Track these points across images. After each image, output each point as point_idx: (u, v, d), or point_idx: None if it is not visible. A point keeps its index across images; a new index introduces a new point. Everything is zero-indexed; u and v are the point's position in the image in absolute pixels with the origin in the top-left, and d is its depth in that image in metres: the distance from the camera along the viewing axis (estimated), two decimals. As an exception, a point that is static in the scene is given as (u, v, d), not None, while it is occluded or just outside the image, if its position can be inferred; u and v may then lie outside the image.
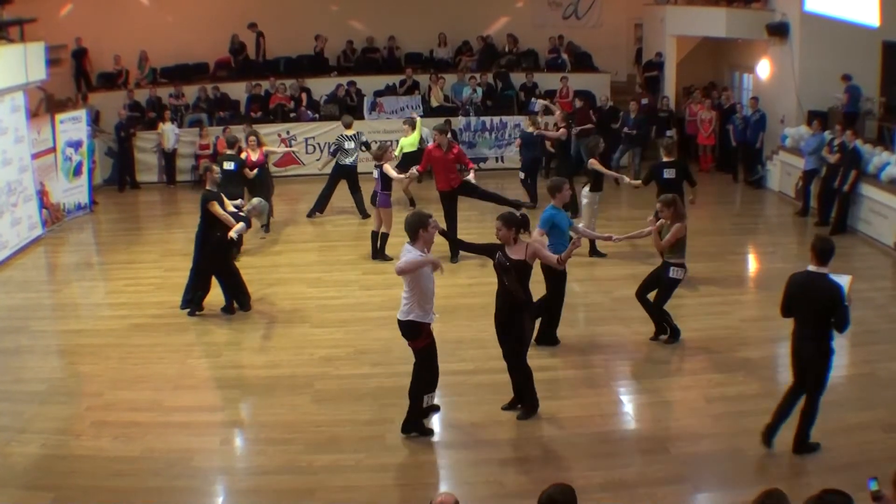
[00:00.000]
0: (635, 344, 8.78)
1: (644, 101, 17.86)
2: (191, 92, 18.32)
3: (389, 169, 11.53)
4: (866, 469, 5.76)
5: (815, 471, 6.20)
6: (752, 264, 12.17)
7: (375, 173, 11.57)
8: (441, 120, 17.16)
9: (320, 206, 14.23)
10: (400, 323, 6.74)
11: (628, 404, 7.62)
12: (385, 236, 11.60)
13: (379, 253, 11.58)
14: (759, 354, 8.47)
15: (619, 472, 6.37)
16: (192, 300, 9.82)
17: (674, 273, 8.50)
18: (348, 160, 13.92)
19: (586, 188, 11.46)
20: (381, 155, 11.57)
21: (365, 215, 13.85)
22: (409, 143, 14.72)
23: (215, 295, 9.86)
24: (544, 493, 3.99)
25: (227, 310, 9.81)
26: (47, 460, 6.67)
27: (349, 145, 13.90)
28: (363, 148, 14.12)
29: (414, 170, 12.08)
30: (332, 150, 14.37)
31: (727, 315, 9.52)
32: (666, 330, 8.74)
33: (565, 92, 18.42)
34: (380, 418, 7.13)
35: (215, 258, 9.65)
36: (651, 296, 8.69)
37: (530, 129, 14.86)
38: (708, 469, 6.47)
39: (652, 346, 8.68)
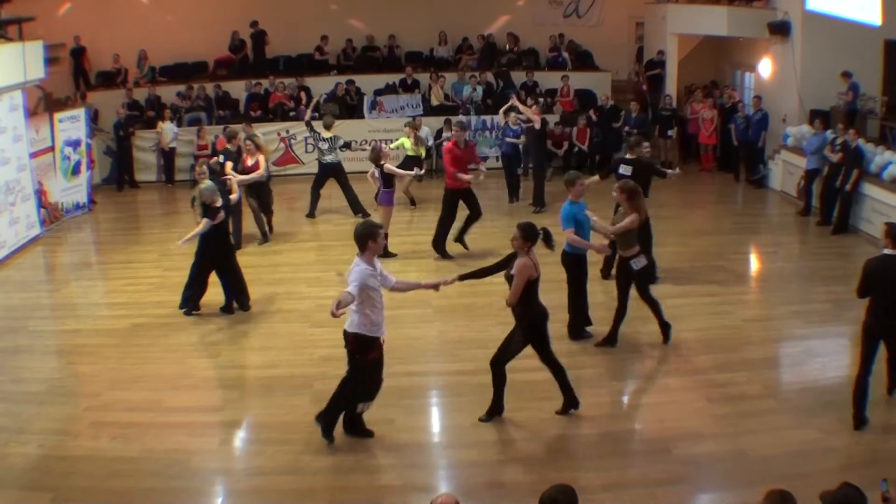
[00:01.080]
0: (636, 344, 8.76)
1: (643, 85, 17.95)
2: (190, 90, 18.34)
3: (393, 168, 11.63)
4: (868, 470, 5.78)
5: (817, 472, 6.17)
6: (754, 264, 12.15)
7: (376, 173, 11.57)
8: (442, 119, 17.28)
9: (314, 206, 14.27)
10: (346, 334, 6.56)
11: (630, 404, 7.61)
12: (384, 236, 11.59)
13: (383, 252, 11.60)
14: (762, 354, 8.46)
15: (621, 472, 6.37)
16: (189, 299, 9.82)
17: (636, 264, 8.42)
18: (328, 158, 13.96)
19: None
20: (377, 157, 11.54)
21: (365, 214, 13.84)
22: (410, 147, 14.79)
23: (215, 294, 9.86)
24: (545, 493, 3.98)
25: (227, 309, 9.80)
26: (46, 461, 6.66)
27: (323, 146, 13.94)
28: (342, 149, 14.14)
29: (416, 169, 12.33)
30: (308, 138, 14.37)
31: (729, 315, 9.50)
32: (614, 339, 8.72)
33: (566, 90, 18.43)
34: (379, 419, 7.10)
35: (217, 256, 9.65)
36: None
37: (505, 123, 15.18)
38: (710, 470, 6.46)
39: (653, 347, 8.67)
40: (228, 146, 12.95)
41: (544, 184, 14.29)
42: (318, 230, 13.72)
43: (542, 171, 14.54)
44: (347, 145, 14.35)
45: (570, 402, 7.20)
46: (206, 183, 9.73)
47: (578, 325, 8.81)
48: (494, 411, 7.14)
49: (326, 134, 14.05)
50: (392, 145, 15.04)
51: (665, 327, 8.69)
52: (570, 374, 8.02)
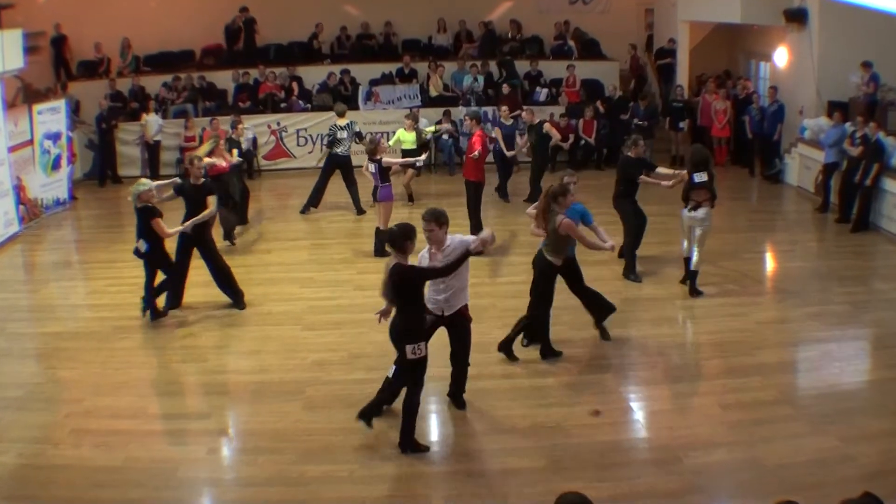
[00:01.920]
0: (645, 347, 8.77)
1: (637, 59, 18.20)
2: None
3: (390, 159, 11.63)
4: (889, 480, 5.78)
5: (835, 482, 6.18)
6: (770, 263, 12.15)
7: (372, 168, 11.57)
8: (441, 110, 17.27)
9: (314, 200, 14.22)
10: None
11: (638, 412, 7.60)
12: (381, 232, 11.63)
13: (379, 251, 11.61)
14: (777, 359, 8.45)
15: (629, 483, 6.36)
16: (167, 298, 9.89)
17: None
18: (340, 149, 13.93)
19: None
20: (374, 149, 11.57)
21: (360, 211, 13.86)
22: (409, 139, 14.73)
23: (204, 295, 9.86)
24: (561, 498, 3.94)
25: (173, 306, 9.91)
26: (24, 470, 6.65)
27: (342, 135, 13.90)
28: (357, 140, 14.16)
29: (417, 160, 12.74)
30: (326, 141, 14.36)
31: (743, 317, 9.50)
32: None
33: (572, 81, 18.41)
34: (375, 426, 7.10)
35: (208, 251, 9.77)
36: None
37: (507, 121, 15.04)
38: (723, 480, 6.46)
39: (664, 350, 8.67)
40: (232, 135, 13.11)
41: (540, 182, 14.07)
42: (312, 228, 13.71)
43: (540, 171, 14.41)
44: (360, 135, 14.31)
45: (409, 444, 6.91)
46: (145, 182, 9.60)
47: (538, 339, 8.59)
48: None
49: (342, 121, 14.03)
50: (391, 142, 15.00)
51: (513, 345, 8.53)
52: (575, 380, 8.04)
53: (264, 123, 17.42)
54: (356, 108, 17.80)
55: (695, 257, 10.04)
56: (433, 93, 18.35)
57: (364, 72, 18.69)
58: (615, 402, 7.70)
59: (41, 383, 8.29)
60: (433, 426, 7.33)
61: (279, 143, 17.60)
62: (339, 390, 7.90)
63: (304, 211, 14.19)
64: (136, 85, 18.04)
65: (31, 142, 14.42)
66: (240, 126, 13.56)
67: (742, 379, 7.97)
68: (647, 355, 8.63)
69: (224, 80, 18.47)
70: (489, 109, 17.55)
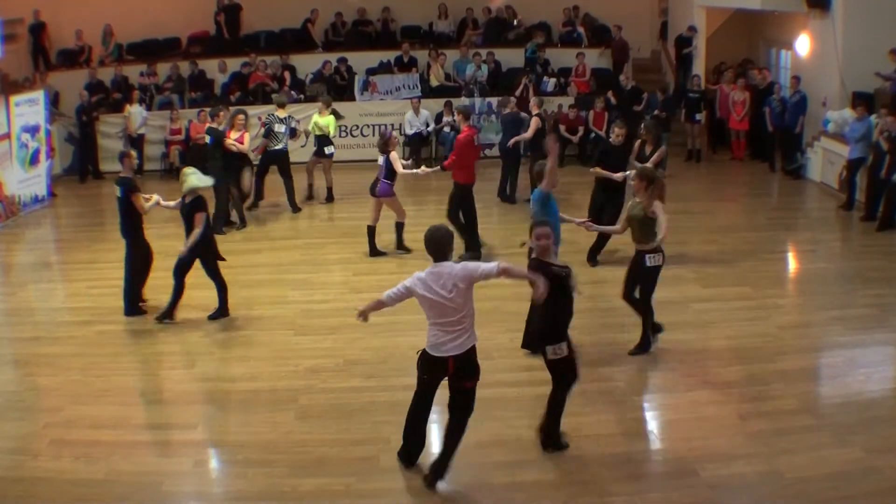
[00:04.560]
0: (658, 354, 8.77)
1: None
2: (162, 70, 18.33)
3: (397, 160, 11.62)
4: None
5: (860, 495, 6.20)
6: (791, 264, 12.17)
7: (380, 160, 11.61)
8: (442, 101, 17.28)
9: (257, 196, 14.32)
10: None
11: (652, 421, 7.62)
12: (400, 226, 11.77)
13: (400, 244, 11.75)
14: (799, 365, 8.46)
15: (642, 497, 6.37)
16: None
17: (651, 261, 8.47)
18: (278, 145, 13.99)
19: None
20: (385, 145, 11.61)
21: (295, 209, 13.99)
22: (326, 123, 14.50)
23: (190, 298, 9.88)
24: None
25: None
26: (1, 483, 6.65)
27: (279, 128, 13.95)
28: (291, 136, 14.18)
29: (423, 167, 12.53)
30: (264, 132, 14.28)
31: (762, 321, 9.51)
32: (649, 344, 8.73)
33: (581, 70, 18.41)
34: (373, 437, 7.13)
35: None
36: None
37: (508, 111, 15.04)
38: (741, 494, 6.46)
39: (679, 357, 8.67)
40: (212, 124, 13.13)
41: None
42: (303, 226, 13.73)
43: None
44: (293, 132, 14.34)
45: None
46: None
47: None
48: None
49: (281, 113, 14.08)
50: (308, 127, 14.95)
51: (646, 341, 8.72)
52: (585, 388, 8.04)
53: (254, 115, 17.39)
54: (352, 98, 17.82)
55: None
56: (434, 83, 18.36)
57: (360, 60, 18.71)
58: (627, 412, 7.72)
59: (18, 391, 8.31)
60: (434, 438, 7.34)
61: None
62: (335, 399, 7.91)
63: (251, 208, 14.19)
64: (119, 74, 18.06)
65: (7, 135, 14.45)
66: (221, 114, 13.53)
67: (762, 387, 7.98)
68: (661, 362, 8.64)
69: (213, 69, 18.46)
70: (493, 101, 17.56)
